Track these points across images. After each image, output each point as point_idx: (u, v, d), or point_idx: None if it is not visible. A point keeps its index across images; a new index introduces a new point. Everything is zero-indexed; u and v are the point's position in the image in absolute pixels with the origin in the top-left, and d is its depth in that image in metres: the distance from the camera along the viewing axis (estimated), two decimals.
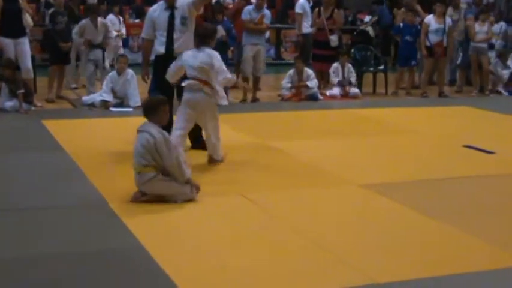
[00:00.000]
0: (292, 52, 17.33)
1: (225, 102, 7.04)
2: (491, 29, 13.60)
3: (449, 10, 14.35)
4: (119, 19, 13.43)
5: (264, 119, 10.15)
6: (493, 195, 6.34)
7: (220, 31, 10.99)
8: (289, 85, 11.98)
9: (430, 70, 13.24)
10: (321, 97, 12.01)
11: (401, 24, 13.90)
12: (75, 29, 11.50)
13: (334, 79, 12.46)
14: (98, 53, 11.40)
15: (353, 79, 12.57)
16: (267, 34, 16.99)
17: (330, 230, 5.22)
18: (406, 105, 11.66)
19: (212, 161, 7.17)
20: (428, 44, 12.64)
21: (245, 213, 5.62)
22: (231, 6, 13.34)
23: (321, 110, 11.02)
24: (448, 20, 12.83)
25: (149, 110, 5.82)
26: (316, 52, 12.74)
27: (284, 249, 4.82)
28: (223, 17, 11.44)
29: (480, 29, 13.17)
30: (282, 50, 18.41)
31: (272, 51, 18.06)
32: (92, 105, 10.55)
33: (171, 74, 7.23)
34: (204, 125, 7.13)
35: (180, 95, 7.31)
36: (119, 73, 10.69)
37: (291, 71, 12.04)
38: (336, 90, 12.36)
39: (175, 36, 7.65)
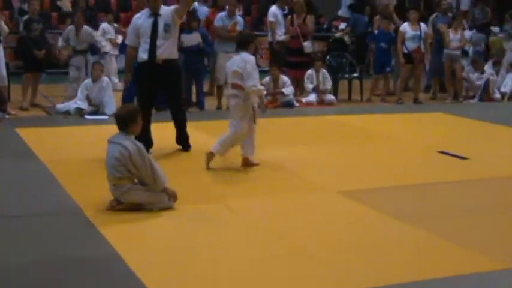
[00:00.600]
0: (268, 59, 17.34)
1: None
2: (464, 36, 13.73)
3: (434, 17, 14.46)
4: (114, 27, 13.39)
5: None
6: (468, 200, 6.41)
7: (197, 38, 11.00)
8: (265, 92, 11.97)
9: (406, 77, 13.33)
10: (296, 104, 12.04)
11: (376, 32, 13.99)
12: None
13: (309, 85, 12.50)
14: (79, 59, 11.32)
15: (328, 85, 12.62)
16: None
17: (309, 237, 5.22)
18: (382, 112, 11.72)
19: (209, 153, 7.23)
20: (405, 51, 12.72)
21: (223, 221, 5.61)
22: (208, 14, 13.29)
23: (297, 117, 11.05)
24: (423, 26, 12.93)
25: (125, 120, 5.72)
26: (291, 59, 12.76)
27: (264, 256, 4.81)
28: (198, 24, 11.44)
29: (454, 36, 13.29)
30: (258, 57, 18.38)
31: None
32: (66, 113, 10.47)
33: None
34: (231, 121, 7.29)
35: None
36: (94, 80, 10.62)
37: (267, 78, 12.04)
38: (312, 97, 12.41)
39: (158, 43, 7.73)
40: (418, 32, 12.68)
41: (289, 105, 11.81)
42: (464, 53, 14.43)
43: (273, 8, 13.17)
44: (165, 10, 7.80)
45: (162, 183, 5.73)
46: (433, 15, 14.28)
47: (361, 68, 14.04)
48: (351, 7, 18.09)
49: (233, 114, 7.30)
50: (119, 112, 5.92)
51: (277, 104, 11.82)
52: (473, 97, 13.67)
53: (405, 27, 12.80)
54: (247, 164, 7.34)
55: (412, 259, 4.83)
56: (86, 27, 11.45)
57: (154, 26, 7.73)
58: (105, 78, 10.75)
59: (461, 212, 5.98)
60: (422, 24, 12.97)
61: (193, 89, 11.40)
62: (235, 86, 7.19)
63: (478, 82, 13.68)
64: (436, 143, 8.75)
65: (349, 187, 6.62)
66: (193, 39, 10.96)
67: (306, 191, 6.63)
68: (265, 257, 4.79)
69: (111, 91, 10.64)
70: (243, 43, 7.32)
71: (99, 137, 8.11)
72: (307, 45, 12.59)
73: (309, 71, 12.57)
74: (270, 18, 13.08)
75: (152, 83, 7.82)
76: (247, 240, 5.14)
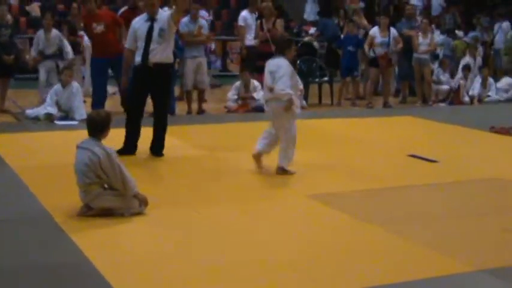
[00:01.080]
0: (239, 64, 17.34)
1: (298, 110, 7.36)
2: (433, 41, 13.87)
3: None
4: None
5: (210, 130, 10.15)
6: (438, 203, 6.46)
7: None
8: (236, 97, 11.99)
9: (375, 80, 13.41)
10: (267, 108, 12.03)
11: (342, 36, 14.05)
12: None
13: None
14: (49, 63, 11.27)
15: (300, 87, 12.62)
16: (213, 46, 16.95)
17: (279, 242, 5.23)
18: (352, 116, 11.79)
19: (279, 170, 7.26)
20: (373, 54, 12.82)
21: (193, 226, 5.60)
22: None
23: (268, 121, 11.03)
24: (393, 32, 13.01)
25: (99, 126, 5.68)
26: (261, 64, 12.70)
27: (235, 260, 4.81)
28: None
29: (423, 40, 13.41)
30: (228, 61, 18.40)
31: (218, 63, 18.02)
32: (36, 118, 10.39)
33: None
34: (277, 132, 7.37)
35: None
36: (64, 86, 10.53)
37: (238, 83, 12.05)
38: None
39: (151, 47, 7.84)
40: (387, 39, 12.79)
41: (260, 109, 11.80)
42: (435, 57, 14.58)
43: (244, 13, 13.15)
44: (162, 15, 7.94)
45: (132, 189, 5.70)
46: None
47: (331, 73, 14.08)
48: (319, 13, 18.15)
49: (278, 121, 7.33)
50: (93, 118, 5.81)
51: (248, 108, 11.83)
52: (443, 101, 13.82)
53: (375, 31, 12.91)
54: (257, 159, 7.38)
55: (382, 262, 4.85)
56: (54, 30, 11.42)
57: (150, 30, 7.86)
58: (75, 84, 10.67)
59: (431, 215, 6.03)
60: (392, 30, 13.06)
61: None
62: (270, 89, 7.30)
63: (446, 86, 13.84)
64: (406, 147, 8.82)
65: (320, 191, 6.64)
66: None
67: (277, 195, 6.64)
68: (236, 262, 4.79)
69: (80, 96, 10.57)
70: (281, 48, 7.48)
71: (69, 143, 8.04)
72: None
73: None
74: (240, 22, 13.07)
75: (143, 85, 7.94)
76: (218, 246, 5.13)
